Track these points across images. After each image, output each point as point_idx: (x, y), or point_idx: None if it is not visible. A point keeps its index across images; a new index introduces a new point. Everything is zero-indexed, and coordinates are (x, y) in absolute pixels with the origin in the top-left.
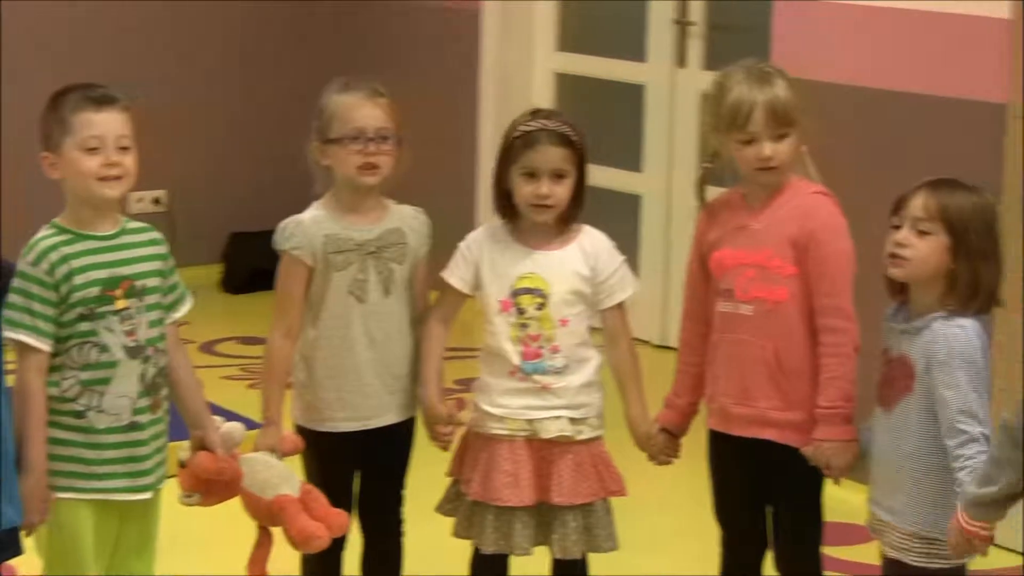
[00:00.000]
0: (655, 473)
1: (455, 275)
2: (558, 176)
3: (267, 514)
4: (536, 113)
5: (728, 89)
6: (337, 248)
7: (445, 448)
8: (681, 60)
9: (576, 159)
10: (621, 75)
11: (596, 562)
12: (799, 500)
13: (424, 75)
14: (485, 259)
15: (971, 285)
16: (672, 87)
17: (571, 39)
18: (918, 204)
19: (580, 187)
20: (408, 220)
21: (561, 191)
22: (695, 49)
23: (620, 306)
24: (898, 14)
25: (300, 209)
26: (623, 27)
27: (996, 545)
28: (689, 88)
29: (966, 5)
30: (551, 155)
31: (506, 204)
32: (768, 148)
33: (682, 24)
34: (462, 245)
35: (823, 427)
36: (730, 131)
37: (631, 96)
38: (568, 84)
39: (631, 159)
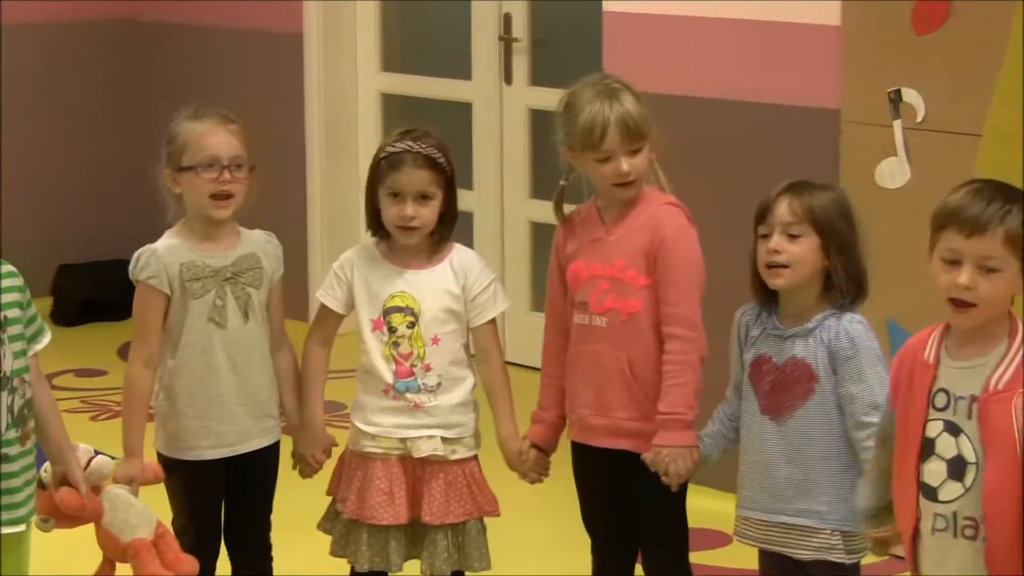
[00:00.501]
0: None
1: (329, 295)
2: (423, 198)
3: (120, 554)
4: (405, 133)
5: (579, 108)
6: (194, 276)
7: (308, 475)
8: (507, 77)
9: (442, 180)
10: (447, 93)
11: None
12: (661, 508)
13: (250, 99)
14: (357, 279)
15: (848, 278)
16: (499, 104)
17: (395, 59)
18: (784, 209)
19: (449, 207)
20: (262, 244)
21: (427, 213)
22: (521, 65)
23: (491, 323)
24: (729, 24)
25: (128, 239)
26: (448, 45)
27: None
28: (516, 104)
29: (798, 13)
30: (416, 177)
31: (377, 223)
32: (625, 164)
33: (507, 41)
34: (335, 265)
35: (662, 433)
36: (585, 150)
37: (458, 114)
38: (394, 104)
39: (462, 177)
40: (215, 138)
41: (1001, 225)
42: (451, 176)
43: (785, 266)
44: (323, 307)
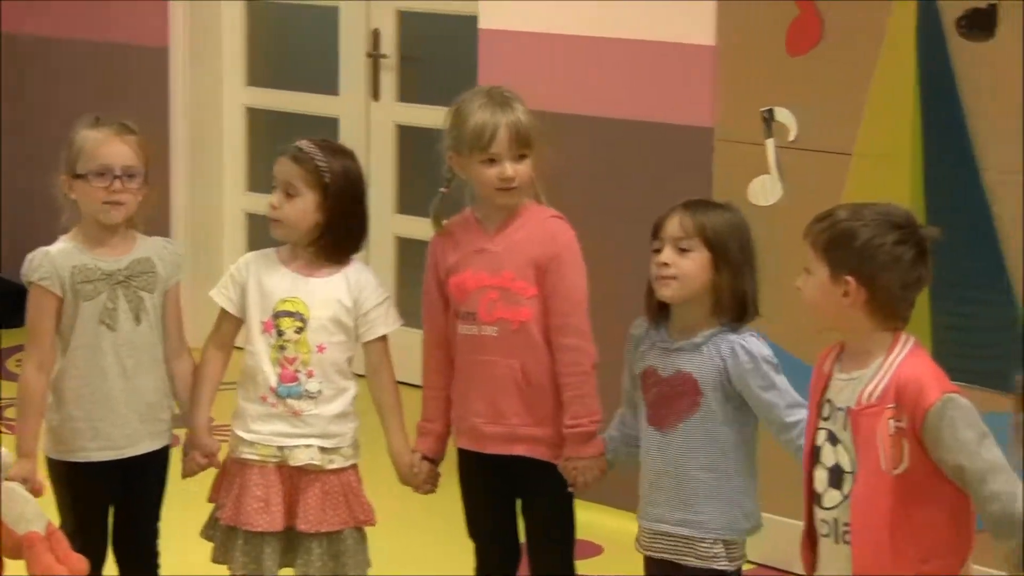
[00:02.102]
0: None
1: (223, 296)
2: (288, 192)
3: (15, 547)
4: (321, 140)
5: (470, 113)
6: (85, 278)
7: (189, 476)
8: (375, 93)
9: (314, 182)
10: (314, 108)
11: None
12: (551, 513)
13: (115, 112)
14: (252, 280)
15: (735, 296)
16: (366, 120)
17: (262, 73)
18: (675, 224)
19: (338, 218)
20: (158, 250)
21: (290, 208)
22: (388, 82)
23: (382, 340)
24: (605, 43)
25: (8, 245)
26: (315, 61)
27: None
28: (384, 120)
29: (673, 33)
30: (285, 169)
31: None
32: (510, 168)
33: (374, 57)
34: (232, 267)
35: (571, 445)
36: (472, 152)
37: (325, 129)
38: (260, 119)
39: None
40: (109, 148)
41: (811, 230)
42: (330, 184)
43: (673, 278)
44: (221, 311)
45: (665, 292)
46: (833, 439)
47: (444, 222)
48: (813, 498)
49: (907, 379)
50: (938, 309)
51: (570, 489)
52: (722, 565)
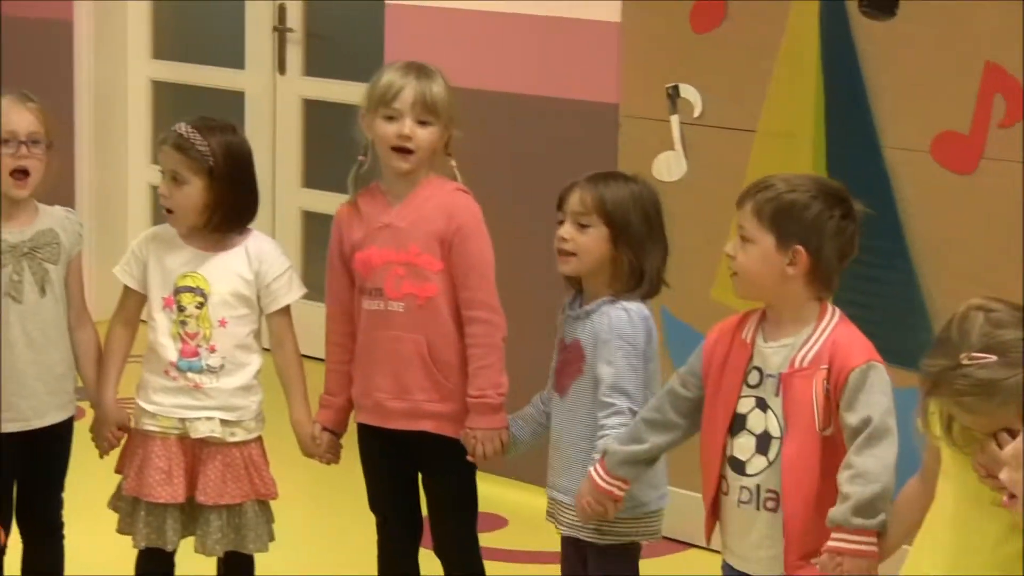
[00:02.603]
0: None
1: (126, 272)
2: (175, 180)
3: None
4: (198, 119)
5: (385, 74)
6: None
7: (105, 452)
8: (281, 67)
9: (199, 168)
10: (220, 82)
11: (269, 559)
12: (453, 488)
13: (19, 86)
14: (152, 257)
15: (635, 270)
16: (272, 94)
17: (167, 47)
18: (576, 199)
19: (227, 198)
20: (61, 220)
21: (179, 195)
22: (295, 56)
23: (285, 311)
24: (512, 19)
25: None
26: (221, 35)
27: None
28: (290, 95)
29: (579, 9)
30: (169, 158)
31: None
32: (408, 127)
33: (281, 31)
34: (133, 244)
35: (473, 416)
36: (377, 108)
37: (231, 103)
38: (166, 92)
39: None
40: (13, 115)
41: (752, 199)
42: (214, 167)
43: (572, 253)
44: (124, 288)
45: (564, 268)
46: (763, 405)
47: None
48: (724, 467)
49: (840, 343)
50: (841, 285)
51: (469, 458)
52: (588, 536)
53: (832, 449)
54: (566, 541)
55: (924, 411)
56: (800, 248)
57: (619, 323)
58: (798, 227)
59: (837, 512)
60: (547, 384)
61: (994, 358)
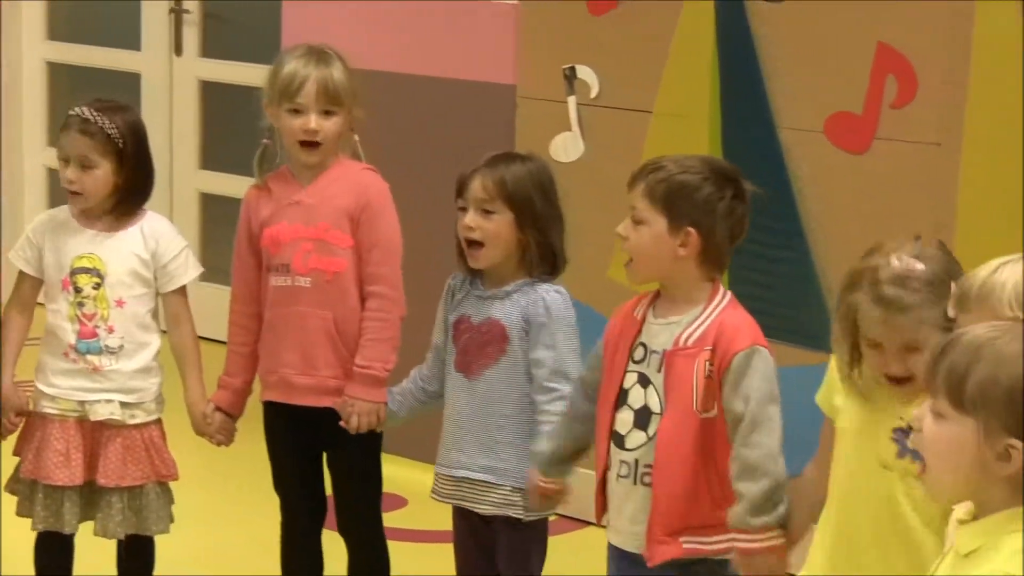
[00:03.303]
0: (217, 450)
1: (20, 257)
2: (84, 165)
3: None
4: (93, 101)
5: (285, 63)
6: None
7: (3, 438)
8: (178, 48)
9: (109, 151)
10: (116, 64)
11: (170, 541)
12: (358, 466)
13: None
14: (48, 240)
15: (543, 251)
16: (169, 75)
17: (62, 28)
18: (477, 186)
19: (132, 179)
20: None
21: (89, 180)
22: (191, 37)
23: (182, 291)
24: (411, 0)
25: None
26: (117, 15)
27: None
28: (186, 76)
29: None
30: (76, 143)
31: None
32: (314, 121)
33: (177, 12)
34: (28, 228)
35: (354, 385)
36: (281, 101)
37: (127, 85)
38: (62, 74)
39: None
40: None
41: (644, 180)
42: (124, 149)
43: (480, 243)
44: (20, 273)
45: (475, 263)
46: (645, 381)
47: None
48: (611, 442)
49: (726, 325)
50: (736, 265)
51: (341, 424)
52: (517, 513)
53: (711, 431)
54: (463, 519)
55: (834, 339)
56: (692, 230)
57: (557, 306)
58: (690, 208)
59: (735, 515)
60: (426, 360)
61: (923, 266)
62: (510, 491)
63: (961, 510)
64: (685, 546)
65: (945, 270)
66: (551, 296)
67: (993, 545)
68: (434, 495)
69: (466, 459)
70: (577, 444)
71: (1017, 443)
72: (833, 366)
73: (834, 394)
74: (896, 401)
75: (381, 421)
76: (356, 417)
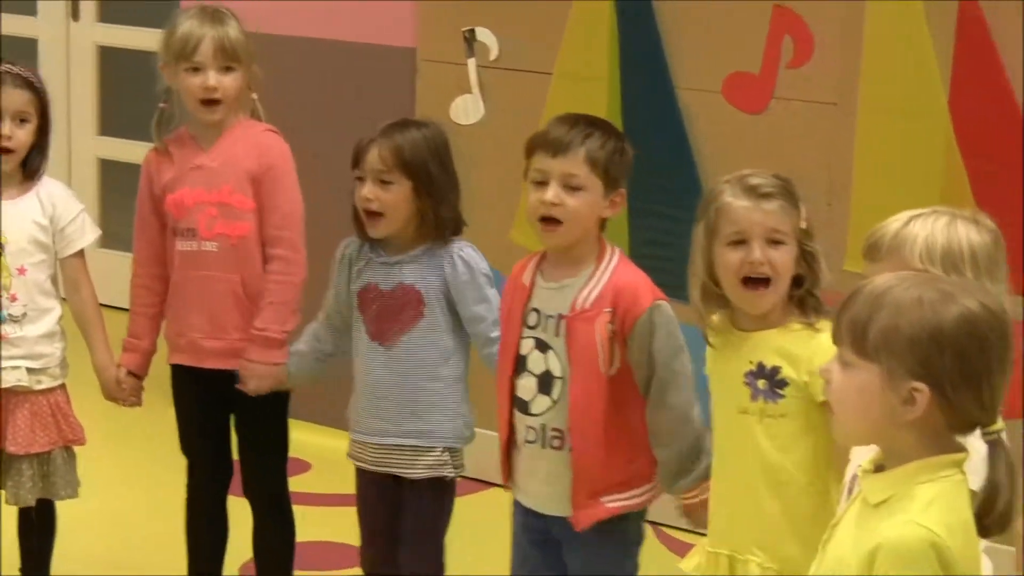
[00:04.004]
0: (120, 414)
1: None
2: (21, 120)
3: None
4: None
5: (180, 24)
6: None
7: None
8: (75, 14)
9: (39, 105)
10: (12, 30)
11: (75, 506)
12: (265, 429)
13: None
14: None
15: (440, 218)
16: (66, 41)
17: None
18: (375, 156)
19: (43, 136)
20: None
21: (22, 134)
22: (88, 2)
23: (80, 254)
24: None
25: None
26: None
27: None
28: (84, 41)
29: None
30: (15, 97)
31: None
32: (213, 78)
33: None
34: None
35: (254, 348)
36: (179, 61)
37: (23, 50)
38: None
39: None
40: None
41: (582, 146)
42: (45, 104)
43: (379, 213)
44: None
45: (375, 232)
46: (543, 346)
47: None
48: (513, 407)
49: (623, 285)
50: (636, 225)
51: (238, 387)
52: (448, 472)
53: (619, 388)
54: (371, 482)
55: (692, 274)
56: (623, 191)
57: (474, 260)
58: (620, 171)
59: (662, 480)
60: (319, 321)
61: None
62: (441, 452)
63: (865, 459)
64: (609, 506)
65: (793, 186)
66: (466, 252)
67: (906, 495)
68: (356, 461)
69: (392, 427)
70: None
71: (921, 386)
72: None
73: (710, 358)
74: (746, 344)
75: (280, 383)
76: (255, 380)
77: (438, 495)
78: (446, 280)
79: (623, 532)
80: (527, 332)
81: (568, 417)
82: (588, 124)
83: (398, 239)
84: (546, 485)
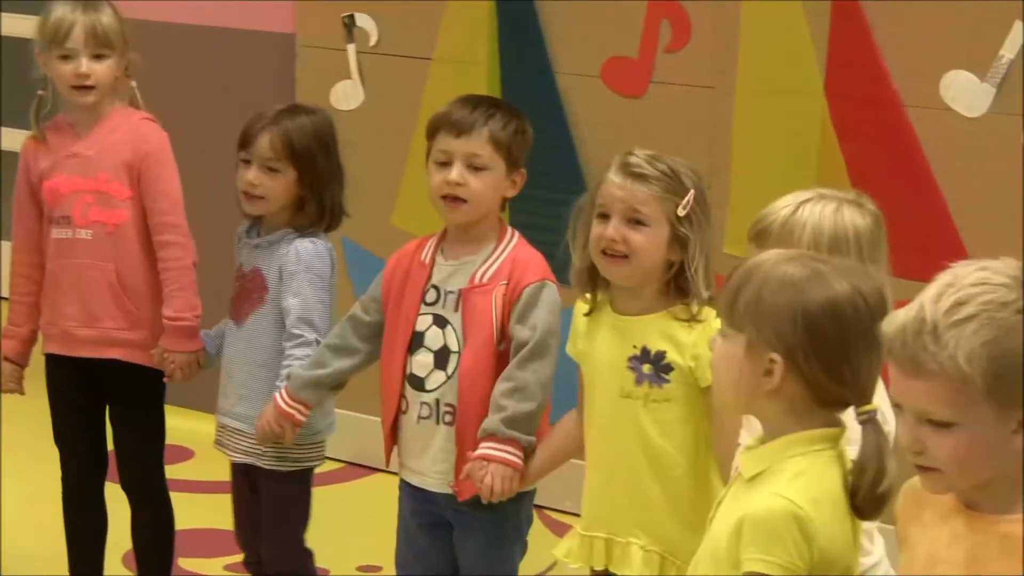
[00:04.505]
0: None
1: None
2: None
3: None
4: None
5: (53, 11)
6: None
7: None
8: None
9: None
10: None
11: None
12: (141, 419)
13: None
14: None
15: (319, 207)
16: None
17: None
18: (265, 144)
19: None
20: None
21: None
22: None
23: None
24: None
25: None
26: None
27: None
28: None
29: None
30: None
31: None
32: (85, 65)
33: None
34: None
35: (171, 339)
36: (51, 48)
37: None
38: None
39: None
40: None
41: (485, 126)
42: None
43: (261, 197)
44: None
45: (252, 210)
46: (442, 322)
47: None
48: (404, 386)
49: (519, 260)
50: (516, 209)
51: (166, 380)
52: (267, 464)
53: (506, 363)
54: (236, 468)
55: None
56: (523, 170)
57: (307, 255)
58: (522, 152)
59: (490, 422)
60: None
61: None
62: (255, 441)
63: (749, 437)
64: None
65: (686, 174)
66: (303, 246)
67: (777, 469)
68: (219, 446)
69: (228, 406)
70: (336, 377)
71: (776, 357)
72: (577, 312)
73: (578, 339)
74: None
75: (200, 367)
76: (178, 370)
77: (290, 484)
78: (283, 268)
79: (513, 514)
80: (425, 309)
81: (457, 388)
82: (490, 105)
83: (273, 221)
84: (437, 463)
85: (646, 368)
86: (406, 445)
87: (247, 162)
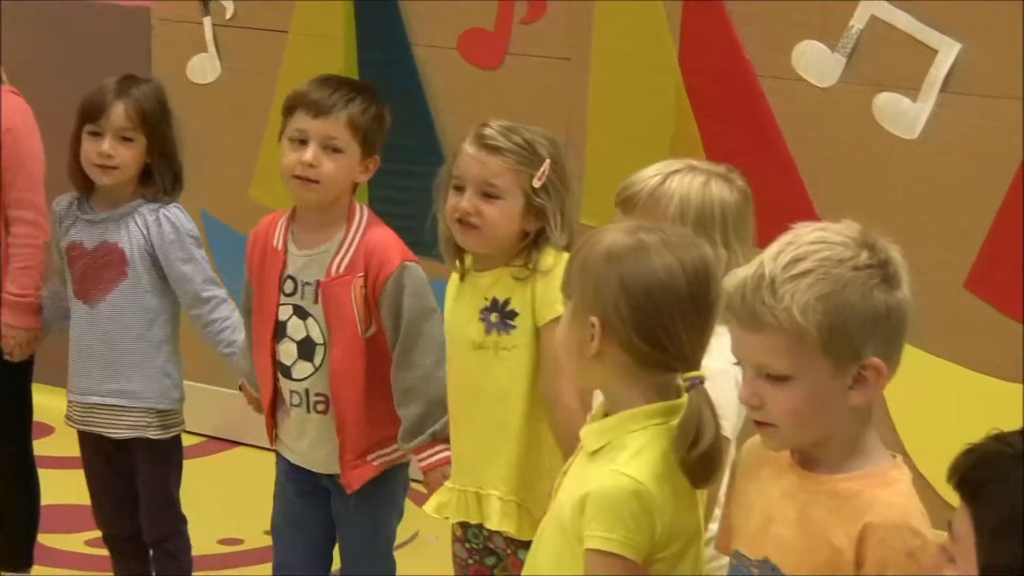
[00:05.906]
0: None
1: None
2: None
3: None
4: None
5: None
6: None
7: None
8: None
9: None
10: None
11: None
12: (4, 396)
13: None
14: None
15: (166, 174)
16: None
17: None
18: (120, 114)
19: None
20: None
21: None
22: None
23: None
24: None
25: None
26: None
27: None
28: None
29: None
30: None
31: None
32: None
33: None
34: None
35: (13, 314)
36: None
37: None
38: None
39: None
40: None
41: (345, 110)
42: None
43: (115, 167)
44: None
45: (106, 180)
46: (302, 313)
47: None
48: (278, 371)
49: (373, 247)
50: (375, 183)
51: (7, 357)
52: (154, 434)
53: (375, 349)
54: (88, 445)
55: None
56: (377, 156)
57: (179, 221)
58: (378, 138)
59: (401, 440)
60: (57, 280)
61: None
62: (144, 412)
63: (596, 408)
64: (375, 463)
65: (541, 143)
66: (173, 213)
67: (617, 444)
68: (68, 421)
69: (95, 385)
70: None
71: (595, 320)
72: (451, 283)
73: (449, 303)
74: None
75: (39, 343)
76: (18, 347)
77: (163, 455)
78: (151, 240)
79: (391, 481)
80: (285, 299)
81: (329, 383)
82: (351, 88)
83: (112, 194)
84: (315, 449)
85: (494, 317)
86: (283, 428)
87: (96, 134)
